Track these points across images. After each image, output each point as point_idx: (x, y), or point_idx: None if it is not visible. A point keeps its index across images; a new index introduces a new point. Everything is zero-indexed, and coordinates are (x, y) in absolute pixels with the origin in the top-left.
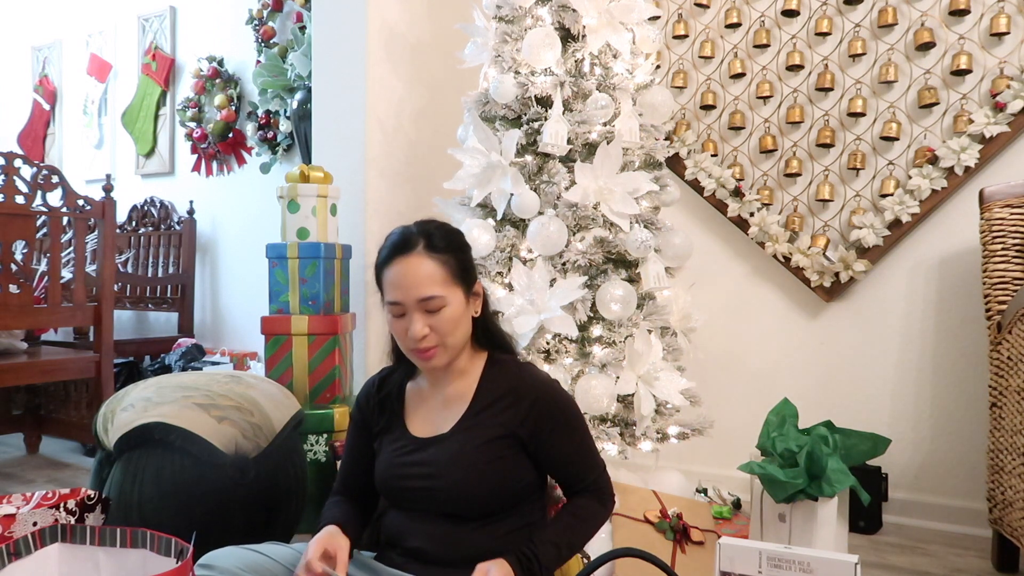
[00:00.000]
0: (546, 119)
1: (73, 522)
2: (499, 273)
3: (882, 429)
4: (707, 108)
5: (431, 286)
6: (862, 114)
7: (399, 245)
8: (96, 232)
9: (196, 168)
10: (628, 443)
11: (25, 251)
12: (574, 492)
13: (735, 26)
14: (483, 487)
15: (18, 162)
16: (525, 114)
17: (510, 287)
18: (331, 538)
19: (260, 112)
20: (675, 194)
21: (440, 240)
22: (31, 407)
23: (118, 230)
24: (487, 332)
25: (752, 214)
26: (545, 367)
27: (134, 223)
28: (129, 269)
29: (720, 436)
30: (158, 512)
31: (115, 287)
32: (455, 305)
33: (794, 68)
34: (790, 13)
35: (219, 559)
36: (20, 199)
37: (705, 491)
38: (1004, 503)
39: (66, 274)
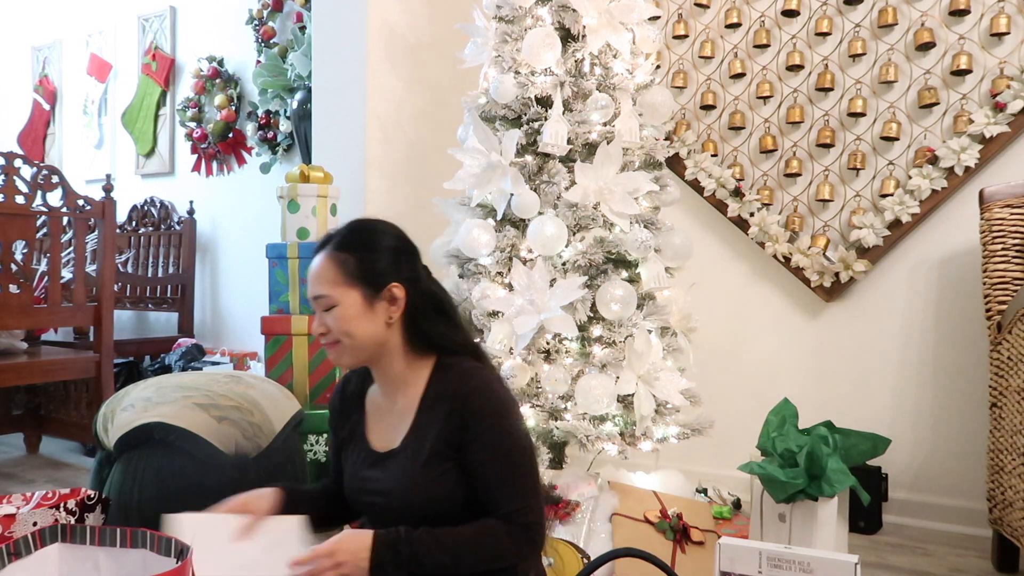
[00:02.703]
0: (546, 119)
1: (73, 522)
2: (499, 273)
3: (882, 429)
4: (707, 108)
5: (320, 285)
6: (862, 114)
7: (318, 244)
8: (96, 232)
9: (196, 168)
10: (628, 443)
11: (25, 251)
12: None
13: (735, 26)
14: (430, 506)
15: (18, 162)
16: (525, 114)
17: (510, 287)
18: (257, 497)
19: (260, 112)
20: (675, 194)
21: (346, 240)
22: (31, 407)
23: (118, 230)
24: (425, 337)
25: (752, 214)
26: (545, 367)
27: (134, 223)
28: (129, 269)
29: (720, 436)
30: (158, 512)
31: (115, 287)
32: (347, 306)
33: (794, 68)
34: (790, 13)
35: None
36: (20, 199)
37: (705, 491)
38: (1004, 503)
39: (66, 274)
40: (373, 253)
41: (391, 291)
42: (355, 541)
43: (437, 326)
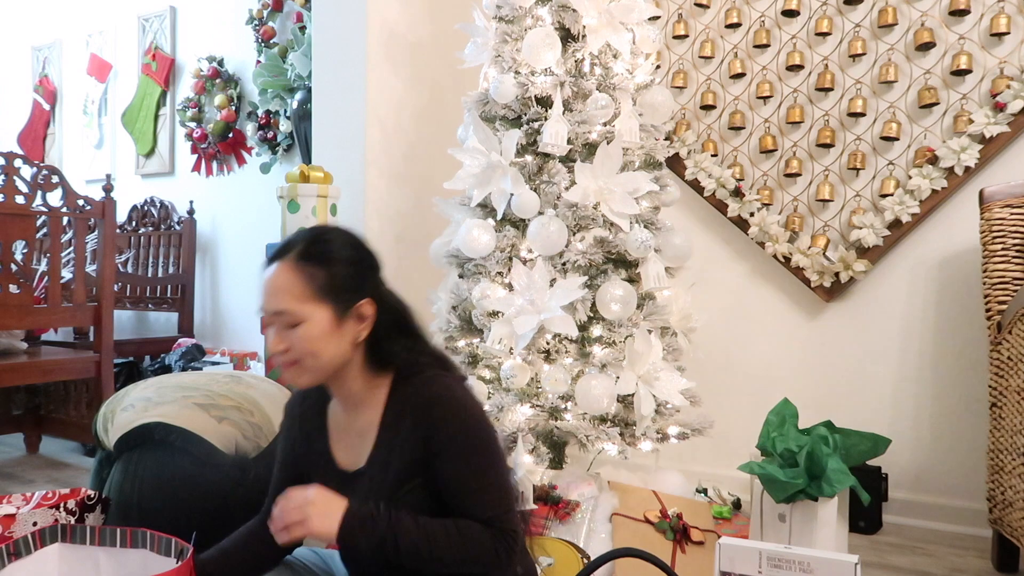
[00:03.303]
0: (546, 119)
1: (73, 522)
2: (499, 273)
3: (882, 429)
4: (707, 108)
5: (284, 299)
6: (862, 114)
7: (274, 252)
8: (96, 232)
9: (196, 168)
10: (628, 443)
11: (25, 251)
12: None
13: (735, 26)
14: None
15: (18, 162)
16: (525, 114)
17: (510, 287)
18: None
19: (260, 112)
20: (675, 194)
21: (314, 250)
22: (31, 407)
23: (118, 230)
24: (386, 355)
25: (752, 214)
26: (545, 367)
27: (134, 223)
28: (129, 269)
29: (720, 436)
30: (158, 512)
31: (115, 287)
32: (315, 324)
33: (794, 68)
34: (790, 13)
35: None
36: (20, 199)
37: (705, 491)
38: (1004, 503)
39: (66, 274)
40: (341, 266)
41: (361, 309)
42: (329, 502)
43: (399, 344)
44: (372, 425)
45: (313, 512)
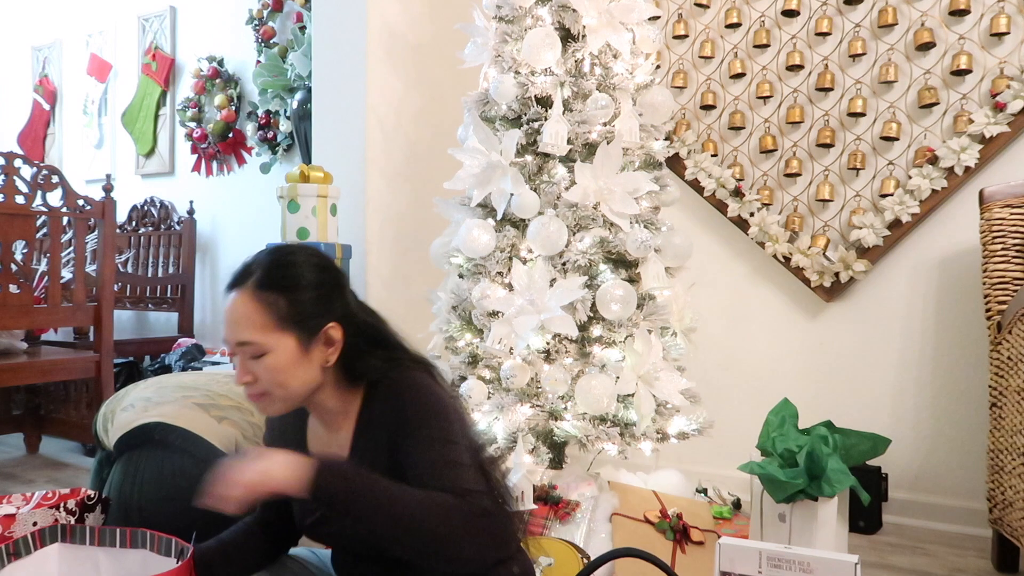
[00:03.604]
0: (546, 119)
1: (73, 522)
2: (499, 273)
3: (882, 429)
4: (707, 108)
5: (246, 330)
6: (862, 114)
7: (233, 279)
8: (96, 232)
9: (196, 168)
10: (628, 443)
11: (25, 251)
12: None
13: (735, 26)
14: None
15: (18, 162)
16: (525, 114)
17: (510, 287)
18: None
19: (260, 112)
20: (675, 194)
21: (275, 276)
22: (31, 407)
23: (118, 230)
24: (361, 371)
25: (752, 214)
26: (545, 367)
27: (134, 223)
28: (129, 269)
29: (720, 436)
30: (158, 512)
31: (115, 287)
32: (280, 354)
33: (794, 68)
34: (790, 13)
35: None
36: (20, 199)
37: (705, 491)
38: (1004, 503)
39: (66, 274)
40: (304, 292)
41: (328, 333)
42: (290, 454)
43: (375, 357)
44: (349, 435)
45: (273, 463)
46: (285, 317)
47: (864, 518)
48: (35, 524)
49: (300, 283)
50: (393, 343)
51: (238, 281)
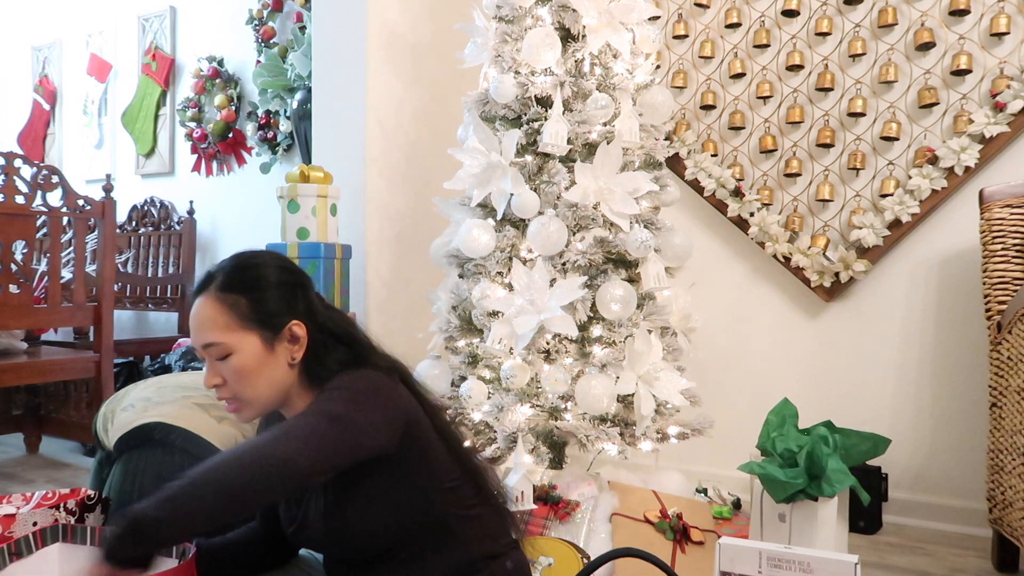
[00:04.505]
0: (546, 119)
1: (73, 522)
2: (499, 273)
3: (882, 429)
4: (707, 108)
5: (210, 332)
6: (862, 114)
7: (197, 286)
8: (96, 232)
9: (196, 168)
10: (628, 443)
11: (25, 251)
12: None
13: (735, 26)
14: (363, 524)
15: (18, 162)
16: (525, 114)
17: (510, 287)
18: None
19: (260, 112)
20: (675, 194)
21: (235, 278)
22: (31, 407)
23: (118, 230)
24: (328, 371)
25: (752, 214)
26: (545, 367)
27: (134, 223)
28: (129, 269)
29: (720, 436)
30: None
31: (115, 287)
32: (245, 353)
33: (794, 68)
34: (790, 13)
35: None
36: (20, 199)
37: (705, 491)
38: (1004, 503)
39: (66, 274)
40: (264, 291)
41: (291, 330)
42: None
43: (338, 353)
44: None
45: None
46: (247, 316)
47: (864, 518)
48: (35, 524)
49: (261, 284)
50: (362, 342)
51: (202, 287)
